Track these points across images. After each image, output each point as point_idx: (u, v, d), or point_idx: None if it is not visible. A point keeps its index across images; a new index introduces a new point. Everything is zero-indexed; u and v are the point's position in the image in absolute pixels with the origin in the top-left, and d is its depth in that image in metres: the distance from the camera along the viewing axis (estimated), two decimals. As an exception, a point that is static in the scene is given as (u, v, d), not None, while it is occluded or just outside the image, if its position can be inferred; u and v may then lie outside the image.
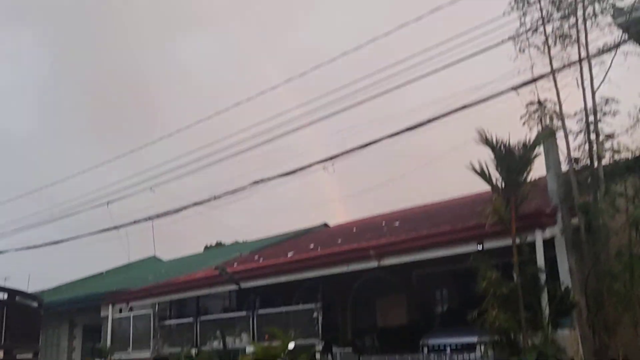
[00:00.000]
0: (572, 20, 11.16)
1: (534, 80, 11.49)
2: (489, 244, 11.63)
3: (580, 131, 11.14)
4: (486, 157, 11.33)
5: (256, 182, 17.34)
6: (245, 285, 16.46)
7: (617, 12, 11.04)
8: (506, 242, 11.07)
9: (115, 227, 20.64)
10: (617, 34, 11.02)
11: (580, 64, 11.02)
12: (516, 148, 11.10)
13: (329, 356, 14.04)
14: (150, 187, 19.16)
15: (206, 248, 37.78)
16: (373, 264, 13.67)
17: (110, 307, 20.41)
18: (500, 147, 11.16)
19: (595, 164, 10.90)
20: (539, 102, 11.39)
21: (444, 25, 13.46)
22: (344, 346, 14.74)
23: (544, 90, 11.43)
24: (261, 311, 16.27)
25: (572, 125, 11.28)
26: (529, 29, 11.51)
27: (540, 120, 11.38)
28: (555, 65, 11.29)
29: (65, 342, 24.43)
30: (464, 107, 12.63)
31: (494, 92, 12.20)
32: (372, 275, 15.98)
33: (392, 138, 14.14)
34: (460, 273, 13.40)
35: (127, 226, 20.45)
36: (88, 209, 21.04)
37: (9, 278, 20.95)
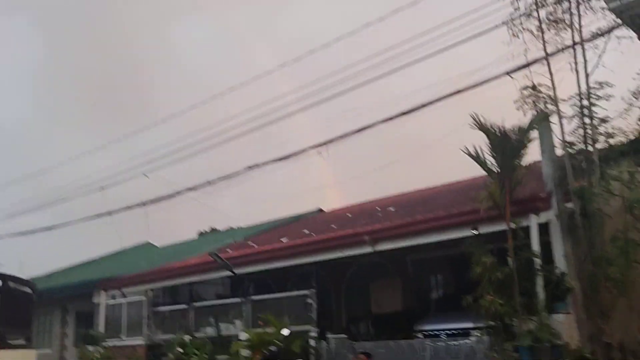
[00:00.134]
0: (566, 4, 11.11)
1: (528, 64, 11.45)
2: (484, 229, 11.62)
3: (575, 115, 11.11)
4: (481, 142, 11.32)
5: (250, 168, 17.25)
6: (239, 271, 16.40)
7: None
8: (501, 227, 11.07)
9: (109, 213, 20.57)
10: (610, 18, 10.92)
11: (574, 48, 10.97)
12: (511, 132, 11.07)
13: (323, 342, 14.01)
14: (144, 172, 19.09)
15: (200, 234, 37.67)
16: (368, 249, 13.63)
17: (103, 293, 20.33)
18: (494, 131, 11.12)
19: (590, 148, 10.87)
20: (533, 87, 11.35)
21: (438, 10, 13.36)
22: (338, 332, 14.70)
23: (538, 75, 11.41)
24: (255, 297, 16.21)
25: (566, 109, 11.27)
26: (523, 14, 11.43)
27: (535, 104, 11.33)
28: (549, 49, 11.25)
29: (58, 329, 24.36)
30: (458, 92, 12.55)
31: (488, 77, 12.13)
32: (367, 261, 15.96)
33: (387, 123, 14.05)
34: (455, 258, 13.37)
35: (121, 212, 20.41)
36: (81, 195, 20.96)
37: (1, 264, 20.85)
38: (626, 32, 10.82)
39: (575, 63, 11.02)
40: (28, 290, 15.15)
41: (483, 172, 11.67)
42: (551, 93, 11.28)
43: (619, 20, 10.78)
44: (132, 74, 52.81)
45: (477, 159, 11.43)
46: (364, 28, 14.20)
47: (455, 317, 12.38)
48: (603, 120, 10.88)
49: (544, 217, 11.16)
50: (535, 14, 11.36)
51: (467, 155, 11.44)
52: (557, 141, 11.47)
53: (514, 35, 11.55)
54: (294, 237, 17.17)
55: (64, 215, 22.95)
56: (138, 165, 19.10)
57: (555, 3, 11.24)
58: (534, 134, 11.31)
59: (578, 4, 11.02)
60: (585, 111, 10.96)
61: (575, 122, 11.15)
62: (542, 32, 11.28)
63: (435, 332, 12.66)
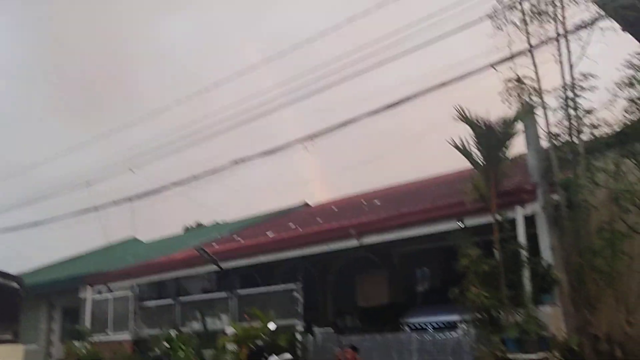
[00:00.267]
0: (549, -4, 11.05)
1: (512, 57, 11.40)
2: (470, 221, 11.62)
3: (559, 107, 11.07)
4: (467, 135, 11.29)
5: (236, 162, 17.19)
6: (225, 265, 16.33)
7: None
8: (487, 219, 11.06)
9: (95, 208, 20.47)
10: (593, 10, 10.92)
11: (558, 40, 10.94)
12: (496, 125, 11.05)
13: (310, 336, 13.98)
14: (130, 167, 18.99)
15: (186, 229, 37.53)
16: (354, 242, 13.58)
17: (89, 289, 20.20)
18: (479, 124, 11.09)
19: (575, 139, 10.85)
20: (518, 79, 11.31)
21: (422, 4, 13.30)
22: (325, 326, 14.69)
23: (523, 67, 11.36)
24: (241, 292, 16.15)
25: (551, 101, 11.23)
26: (507, 6, 11.39)
27: (519, 96, 11.29)
28: (533, 42, 11.21)
29: (44, 325, 24.24)
30: (443, 84, 12.52)
31: (473, 69, 12.12)
32: (353, 255, 15.93)
33: (372, 116, 14.01)
34: (441, 251, 13.38)
35: (107, 207, 20.29)
36: (67, 191, 20.85)
37: (-12, 260, 20.64)
38: (610, 23, 10.82)
39: (560, 55, 10.99)
40: (15, 285, 15.03)
41: (469, 165, 11.64)
42: (536, 85, 11.24)
43: (602, 12, 10.78)
44: (118, 69, 52.45)
45: (463, 151, 11.40)
46: (348, 22, 14.16)
47: (442, 310, 12.37)
48: (588, 112, 10.85)
49: (529, 209, 11.15)
50: (518, 6, 11.31)
51: (453, 148, 11.42)
52: (542, 133, 11.45)
53: (498, 28, 11.50)
54: (280, 231, 17.12)
55: (50, 211, 22.81)
56: (124, 160, 19.06)
57: (538, -5, 11.18)
58: (519, 126, 11.29)
59: (562, -5, 10.98)
60: (570, 103, 10.93)
61: (560, 113, 11.11)
62: (526, 25, 11.24)
63: (422, 325, 12.67)
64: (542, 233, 11.07)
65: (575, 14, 11.14)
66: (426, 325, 12.55)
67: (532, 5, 11.39)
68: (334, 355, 12.71)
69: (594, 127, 10.79)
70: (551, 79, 11.30)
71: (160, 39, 50.69)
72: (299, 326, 14.25)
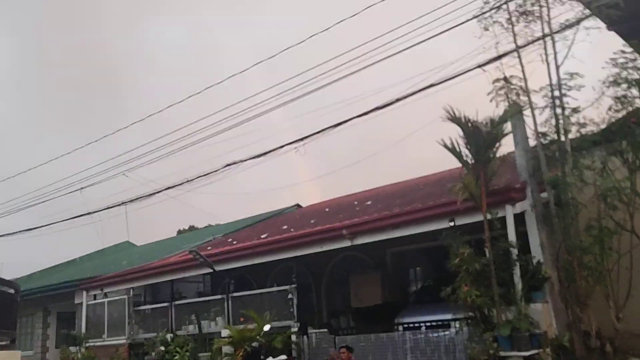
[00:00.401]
0: (535, -4, 11.15)
1: (499, 57, 11.49)
2: (461, 221, 11.70)
3: (547, 106, 11.17)
4: (456, 135, 11.40)
5: (229, 165, 17.25)
6: (219, 268, 16.37)
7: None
8: (477, 218, 11.15)
9: (89, 213, 20.48)
10: (578, 9, 11.04)
11: (544, 40, 11.03)
12: (484, 124, 11.14)
13: (305, 337, 14.06)
14: (123, 172, 19.03)
15: (179, 232, 37.57)
16: (346, 243, 13.66)
17: (84, 293, 20.26)
18: (468, 124, 11.19)
19: (563, 138, 10.95)
20: (505, 79, 11.40)
21: (410, 5, 13.41)
22: (319, 327, 14.78)
23: (510, 67, 11.44)
24: (236, 294, 16.23)
25: (539, 100, 11.32)
26: (493, 7, 11.47)
27: (507, 96, 11.38)
28: (520, 42, 11.29)
29: (40, 330, 24.22)
30: (431, 85, 12.62)
31: (461, 70, 12.22)
32: (346, 255, 16.04)
33: (362, 118, 14.11)
34: (433, 250, 13.45)
35: (101, 212, 20.30)
36: (61, 196, 20.84)
37: (-17, 266, 20.63)
38: (594, 22, 10.95)
39: (546, 54, 11.07)
40: (11, 291, 15.04)
41: (459, 164, 11.75)
42: (523, 85, 11.33)
43: (587, 12, 10.90)
44: (111, 74, 52.38)
45: (453, 150, 11.50)
46: (337, 24, 14.22)
47: (435, 309, 12.45)
48: (575, 110, 10.95)
49: (519, 207, 11.25)
50: (504, 6, 11.39)
51: (443, 147, 11.52)
52: (530, 132, 11.55)
53: (485, 28, 11.58)
54: (273, 233, 17.18)
55: (43, 217, 22.81)
56: (117, 165, 19.07)
57: (524, -5, 11.29)
58: (508, 125, 11.39)
59: (547, -4, 11.09)
60: (557, 102, 11.03)
61: (548, 112, 11.22)
62: (512, 25, 11.32)
63: (416, 324, 12.75)
64: (531, 231, 11.19)
65: (560, 14, 11.27)
66: (420, 325, 12.62)
67: (518, 5, 11.49)
68: (329, 356, 12.79)
69: (581, 125, 10.90)
70: (538, 78, 11.42)
71: (151, 44, 50.76)
72: (294, 327, 14.33)
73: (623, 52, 10.87)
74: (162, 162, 18.48)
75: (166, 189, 19.08)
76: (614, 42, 11.36)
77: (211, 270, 16.59)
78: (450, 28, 12.23)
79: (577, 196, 10.53)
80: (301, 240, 14.70)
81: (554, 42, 11.06)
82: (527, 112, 11.49)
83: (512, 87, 11.44)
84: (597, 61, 11.01)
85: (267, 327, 13.91)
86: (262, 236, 16.97)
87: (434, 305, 12.58)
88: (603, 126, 10.69)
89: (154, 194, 19.29)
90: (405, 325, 12.92)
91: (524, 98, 11.39)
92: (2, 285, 14.76)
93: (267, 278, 17.49)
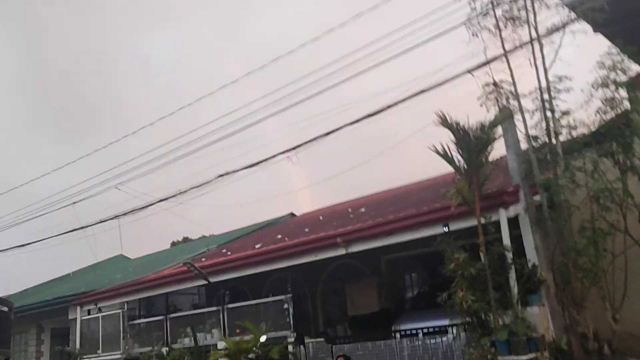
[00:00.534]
0: (521, 2, 11.21)
1: (488, 62, 11.56)
2: (455, 226, 11.69)
3: (537, 109, 11.23)
4: (448, 140, 11.43)
5: (221, 175, 17.24)
6: (214, 279, 16.30)
7: (563, -9, 11.21)
8: (471, 222, 11.15)
9: (82, 228, 20.40)
10: (564, 14, 11.13)
11: (532, 44, 11.10)
12: (475, 129, 11.18)
13: (302, 347, 14.00)
14: (116, 185, 18.97)
15: (173, 244, 37.44)
16: (341, 251, 13.62)
17: (78, 308, 20.10)
18: (459, 129, 11.23)
19: (554, 140, 11.00)
20: (495, 84, 11.46)
21: (398, 13, 13.50)
22: (316, 336, 14.72)
23: (499, 72, 11.51)
24: (231, 305, 16.17)
25: (528, 104, 11.38)
26: (480, 13, 11.53)
27: (497, 100, 11.44)
28: (508, 46, 11.36)
29: (33, 347, 24.06)
30: (422, 91, 12.69)
31: (451, 75, 12.30)
32: (341, 263, 16.00)
33: (353, 125, 14.14)
34: (429, 256, 13.45)
35: (94, 226, 20.21)
36: (54, 211, 20.74)
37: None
38: (580, 26, 11.03)
39: (534, 58, 11.13)
40: (5, 308, 14.97)
41: (452, 169, 11.78)
42: (512, 89, 11.39)
43: (573, 15, 10.98)
44: (101, 87, 52.31)
45: (445, 156, 11.53)
46: (327, 33, 14.31)
47: (432, 315, 12.43)
48: (564, 113, 10.99)
49: (512, 210, 11.27)
50: (491, 12, 11.46)
51: (435, 153, 11.55)
52: (521, 135, 11.59)
53: (473, 34, 11.65)
54: (268, 242, 17.14)
55: (36, 232, 22.67)
56: (110, 178, 19.03)
57: (510, 1, 11.35)
58: (499, 129, 11.44)
59: (533, 1, 11.16)
60: (547, 105, 11.08)
61: (538, 116, 11.26)
62: (500, 30, 11.39)
63: (413, 331, 12.71)
64: (526, 234, 11.20)
65: (547, 18, 11.34)
66: (417, 331, 12.59)
67: (505, 11, 11.56)
68: (326, 365, 12.76)
69: (571, 127, 10.95)
70: (528, 82, 11.48)
71: (143, 56, 50.75)
72: (291, 337, 14.28)
73: (610, 54, 10.94)
74: (154, 175, 18.47)
75: (159, 201, 19.03)
76: (601, 45, 11.48)
77: (206, 282, 16.51)
78: (439, 35, 12.37)
79: (570, 198, 10.56)
80: (295, 250, 14.65)
81: (541, 46, 11.13)
82: (517, 116, 11.54)
83: (501, 91, 11.52)
84: (585, 64, 11.10)
85: (263, 338, 13.85)
86: (256, 246, 16.92)
87: (430, 312, 12.56)
88: (593, 128, 10.73)
89: (147, 206, 19.25)
90: (403, 333, 12.88)
91: (513, 102, 11.46)
92: (-4, 303, 14.72)
93: (262, 288, 17.43)
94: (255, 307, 15.58)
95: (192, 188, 17.96)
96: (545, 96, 11.12)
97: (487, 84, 11.59)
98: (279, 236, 17.64)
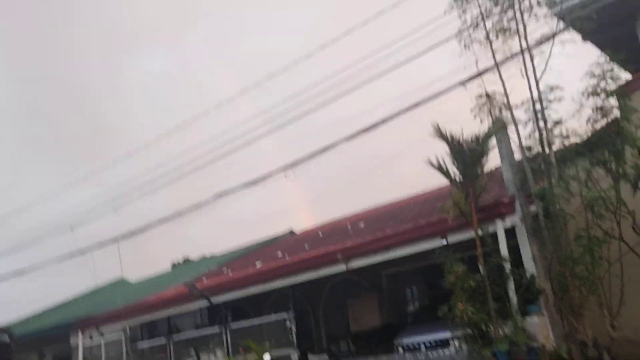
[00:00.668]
0: (510, 13, 11.34)
1: (480, 74, 11.68)
2: (453, 238, 11.80)
3: (529, 120, 11.31)
4: (443, 152, 11.56)
5: (219, 195, 17.31)
6: (216, 300, 16.33)
7: (552, 2, 11.35)
8: (469, 234, 11.26)
9: (81, 252, 20.40)
10: (554, 23, 11.27)
11: (523, 55, 11.22)
12: (470, 141, 11.29)
13: (305, 365, 14.02)
14: (113, 208, 19.03)
15: (173, 265, 37.39)
16: (341, 267, 13.69)
17: (79, 334, 20.03)
18: (454, 141, 11.34)
19: (547, 150, 11.08)
20: (487, 95, 11.56)
21: (389, 29, 13.65)
22: (319, 353, 14.73)
23: (491, 83, 11.60)
24: (234, 325, 16.17)
25: (521, 114, 11.45)
26: (470, 26, 11.67)
27: (490, 112, 11.54)
28: (498, 58, 11.46)
29: (35, 376, 23.90)
30: (415, 105, 12.83)
31: (443, 88, 12.46)
32: (342, 279, 16.02)
33: (349, 141, 14.28)
34: (428, 269, 13.48)
35: (93, 250, 20.24)
36: (52, 236, 20.79)
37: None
38: (569, 36, 11.20)
39: (525, 69, 11.22)
40: (6, 337, 14.94)
41: (448, 182, 11.88)
42: (505, 100, 11.49)
43: (561, 26, 11.14)
44: (95, 110, 52.46)
45: (440, 169, 11.65)
46: (319, 50, 14.47)
47: (434, 328, 12.45)
48: (557, 123, 11.08)
49: (509, 221, 11.35)
50: (482, 25, 11.60)
51: (430, 166, 11.66)
52: (515, 146, 11.67)
53: (464, 47, 11.77)
54: (268, 260, 17.17)
55: (35, 258, 22.68)
56: (107, 201, 19.11)
57: (500, 13, 11.49)
58: (493, 141, 11.54)
59: (522, 12, 11.29)
60: (539, 115, 11.18)
61: (531, 126, 11.35)
62: (491, 42, 11.50)
63: (415, 344, 12.72)
64: (523, 244, 11.27)
65: (537, 29, 11.48)
66: (419, 345, 12.60)
67: (495, 22, 11.69)
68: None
69: (564, 137, 11.04)
70: (520, 92, 11.59)
71: (136, 77, 50.93)
72: (294, 355, 14.28)
73: (599, 62, 11.07)
74: (152, 196, 18.54)
75: (158, 222, 19.08)
76: (592, 53, 11.64)
77: (208, 303, 16.52)
78: (430, 48, 12.54)
79: (565, 207, 10.63)
80: (296, 267, 14.71)
81: (531, 57, 11.24)
82: (510, 127, 11.63)
83: (494, 102, 11.62)
84: (576, 73, 11.21)
85: (267, 357, 13.85)
86: (257, 265, 16.95)
87: (432, 325, 12.58)
88: (585, 137, 10.83)
89: (146, 228, 19.29)
90: (405, 347, 12.89)
91: (506, 113, 11.55)
92: (-2, 332, 14.69)
93: (264, 306, 17.44)
94: (258, 325, 15.59)
95: (190, 208, 18.03)
96: (538, 106, 11.21)
97: (480, 96, 11.70)
98: (279, 254, 17.67)
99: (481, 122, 11.65)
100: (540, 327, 10.56)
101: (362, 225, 17.28)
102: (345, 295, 17.13)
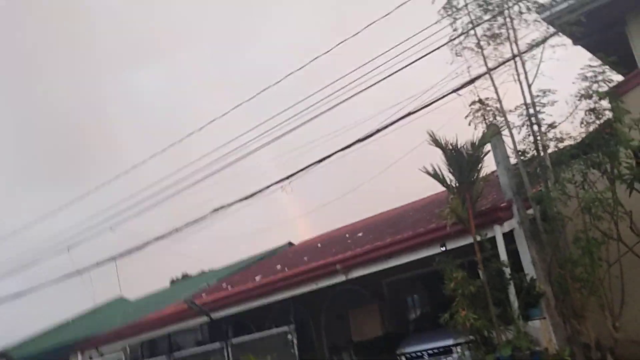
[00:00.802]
0: (500, 20, 11.43)
1: (472, 81, 11.77)
2: (452, 244, 11.80)
3: (523, 124, 11.39)
4: (439, 159, 11.59)
5: (216, 210, 17.28)
6: (216, 315, 16.24)
7: (541, 7, 11.45)
8: (468, 240, 11.25)
9: (78, 272, 20.30)
10: (543, 29, 11.38)
11: (514, 60, 11.30)
12: (465, 148, 11.32)
13: (308, 377, 13.95)
14: (110, 226, 18.96)
15: (172, 282, 37.24)
16: (341, 278, 13.66)
17: (79, 355, 19.87)
18: (450, 148, 11.37)
19: (542, 153, 11.13)
20: (480, 101, 11.63)
21: (381, 38, 13.73)
22: (322, 365, 14.69)
23: (484, 89, 11.70)
24: (235, 340, 16.08)
25: (515, 119, 11.54)
26: (461, 33, 11.75)
27: (484, 118, 11.60)
28: (490, 64, 11.55)
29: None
30: (410, 114, 12.91)
31: (437, 95, 12.53)
32: (343, 289, 15.98)
33: (345, 151, 14.31)
34: (429, 276, 13.47)
35: (90, 269, 20.14)
36: (49, 257, 20.69)
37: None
38: (560, 40, 11.30)
39: (517, 74, 11.30)
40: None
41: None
42: (498, 105, 11.56)
43: (551, 30, 11.23)
44: (91, 127, 52.36)
45: (436, 176, 11.66)
46: (312, 61, 14.51)
47: (436, 336, 12.45)
48: (551, 126, 11.18)
49: (507, 225, 11.36)
50: (472, 32, 11.68)
51: (426, 174, 11.68)
52: (510, 150, 11.71)
53: (456, 54, 11.87)
54: (267, 273, 17.13)
55: (32, 280, 22.54)
56: (103, 220, 19.01)
57: (490, 20, 11.58)
58: (488, 146, 11.58)
59: (511, 18, 11.38)
60: (533, 119, 11.26)
61: (525, 130, 11.43)
62: (482, 49, 11.59)
63: (418, 353, 12.70)
64: (522, 248, 11.27)
65: (528, 34, 11.58)
66: (422, 353, 12.58)
67: (486, 29, 11.77)
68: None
69: (558, 140, 11.11)
70: (513, 98, 11.67)
71: (132, 94, 51.00)
72: (296, 368, 14.22)
73: (590, 65, 11.15)
74: (149, 213, 18.48)
75: (155, 239, 19.02)
76: (581, 58, 11.75)
77: (208, 319, 16.44)
78: (423, 56, 12.60)
79: (562, 210, 10.66)
80: (295, 280, 14.67)
81: (523, 62, 11.32)
82: (505, 132, 11.69)
83: (488, 108, 11.68)
84: (569, 76, 11.29)
85: (269, 371, 13.81)
86: (256, 278, 16.91)
87: (434, 332, 12.58)
88: (579, 139, 10.88)
89: (144, 246, 19.23)
90: (408, 355, 12.87)
91: (500, 118, 11.62)
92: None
93: (265, 320, 17.37)
94: (259, 339, 15.51)
95: (187, 224, 18.00)
96: (531, 110, 11.29)
97: (474, 102, 11.77)
98: (279, 266, 17.63)
99: (476, 128, 11.73)
100: (542, 330, 10.55)
101: (360, 234, 17.28)
102: (346, 305, 17.10)
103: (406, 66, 13.10)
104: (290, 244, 24.87)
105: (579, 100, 11.05)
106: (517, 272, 10.99)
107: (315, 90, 14.40)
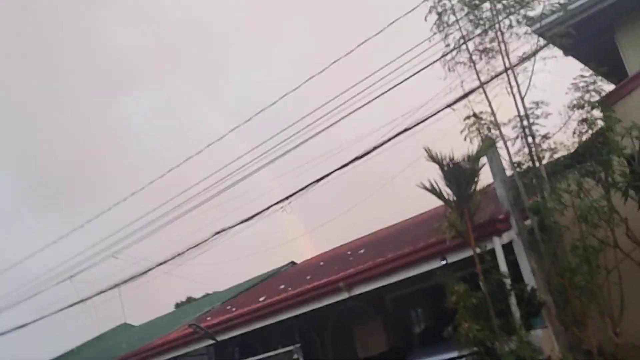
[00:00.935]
0: (492, 34, 11.64)
1: (466, 95, 11.96)
2: (452, 258, 11.90)
3: (518, 136, 11.55)
4: (435, 174, 11.72)
5: (217, 233, 17.42)
6: (221, 338, 16.29)
7: (531, 20, 11.66)
8: (468, 253, 11.34)
9: (82, 301, 20.35)
10: (534, 41, 11.58)
11: (507, 73, 11.49)
12: (461, 161, 11.46)
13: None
14: (112, 254, 19.05)
15: (177, 305, 37.24)
16: (344, 295, 13.74)
17: (86, 384, 19.93)
18: (446, 162, 11.51)
19: (537, 164, 11.27)
20: (475, 115, 11.81)
21: (374, 57, 13.97)
22: (328, 383, 14.71)
23: (478, 103, 11.88)
24: (241, 362, 16.13)
25: (509, 131, 11.70)
26: (453, 49, 11.96)
27: (479, 131, 11.77)
28: (483, 78, 11.75)
29: None
30: (405, 130, 13.10)
31: (432, 111, 12.73)
32: (347, 306, 16.06)
33: (343, 169, 14.49)
34: (432, 290, 13.53)
35: (94, 297, 20.20)
36: (52, 287, 20.74)
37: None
38: (551, 52, 11.50)
39: (510, 87, 11.48)
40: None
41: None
42: (492, 118, 11.73)
43: (542, 43, 11.44)
44: (87, 156, 52.54)
45: (434, 191, 11.78)
46: (307, 81, 14.74)
47: (440, 349, 12.50)
48: (545, 137, 11.33)
49: (506, 237, 11.48)
50: (464, 47, 11.89)
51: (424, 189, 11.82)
52: (505, 163, 11.86)
53: (449, 69, 12.08)
54: (271, 294, 17.18)
55: (36, 310, 22.57)
56: (105, 248, 19.11)
57: (481, 34, 11.79)
58: (484, 159, 11.73)
59: (502, 32, 11.59)
60: (527, 131, 11.42)
61: (520, 142, 11.59)
62: (474, 63, 11.80)
63: (423, 366, 12.76)
64: (521, 259, 11.37)
65: (519, 47, 11.79)
66: (427, 367, 12.64)
67: (477, 44, 11.98)
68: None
69: (553, 150, 11.27)
70: (507, 110, 11.84)
71: (126, 120, 51.24)
72: (304, 387, 14.25)
73: (582, 76, 11.35)
74: (150, 239, 18.59)
75: (158, 265, 19.11)
76: (574, 67, 11.98)
77: (214, 342, 16.49)
78: (416, 73, 12.84)
79: (559, 219, 10.79)
80: (299, 299, 14.74)
81: (515, 75, 11.51)
82: (500, 144, 11.85)
83: (482, 122, 11.86)
84: (562, 86, 11.49)
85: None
86: (260, 299, 16.97)
87: (439, 345, 12.63)
88: (573, 149, 11.04)
89: (147, 272, 19.32)
90: (413, 369, 12.92)
91: (495, 131, 11.79)
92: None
93: (271, 340, 17.41)
94: (265, 360, 15.55)
95: (189, 249, 18.12)
96: (525, 122, 11.46)
97: (468, 116, 11.94)
98: (282, 286, 17.71)
99: (471, 141, 11.89)
100: (544, 339, 10.62)
101: (362, 251, 17.37)
102: (351, 322, 17.15)
103: (402, 82, 13.34)
104: (292, 263, 24.93)
105: (571, 110, 11.22)
106: (518, 282, 11.07)
107: (311, 110, 14.63)
